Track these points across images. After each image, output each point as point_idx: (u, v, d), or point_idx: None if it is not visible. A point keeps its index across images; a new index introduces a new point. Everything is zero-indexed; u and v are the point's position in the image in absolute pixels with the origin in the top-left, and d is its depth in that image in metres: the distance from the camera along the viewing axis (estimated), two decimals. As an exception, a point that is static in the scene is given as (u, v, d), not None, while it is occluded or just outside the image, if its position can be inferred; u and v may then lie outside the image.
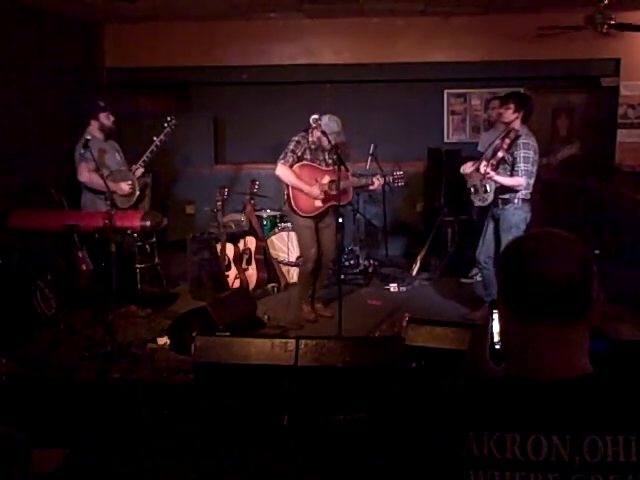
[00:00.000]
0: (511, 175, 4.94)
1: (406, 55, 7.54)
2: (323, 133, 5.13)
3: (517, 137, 4.93)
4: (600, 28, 5.77)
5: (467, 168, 5.26)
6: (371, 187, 5.48)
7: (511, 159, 4.95)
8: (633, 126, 7.52)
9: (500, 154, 4.97)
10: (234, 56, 7.64)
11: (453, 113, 8.11)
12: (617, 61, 7.42)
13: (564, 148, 5.72)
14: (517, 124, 4.97)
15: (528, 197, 5.02)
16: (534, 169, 4.96)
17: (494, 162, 4.99)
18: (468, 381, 1.27)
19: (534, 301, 1.16)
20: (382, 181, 5.41)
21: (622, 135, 7.54)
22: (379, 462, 1.26)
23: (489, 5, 6.81)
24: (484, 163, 5.03)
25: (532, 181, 4.99)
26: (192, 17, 7.28)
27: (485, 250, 5.20)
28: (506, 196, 5.00)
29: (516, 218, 4.98)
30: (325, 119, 5.17)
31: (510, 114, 4.97)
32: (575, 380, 1.15)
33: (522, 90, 7.82)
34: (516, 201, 4.97)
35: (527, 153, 4.89)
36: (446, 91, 8.04)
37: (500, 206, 5.04)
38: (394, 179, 5.49)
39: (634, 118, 7.52)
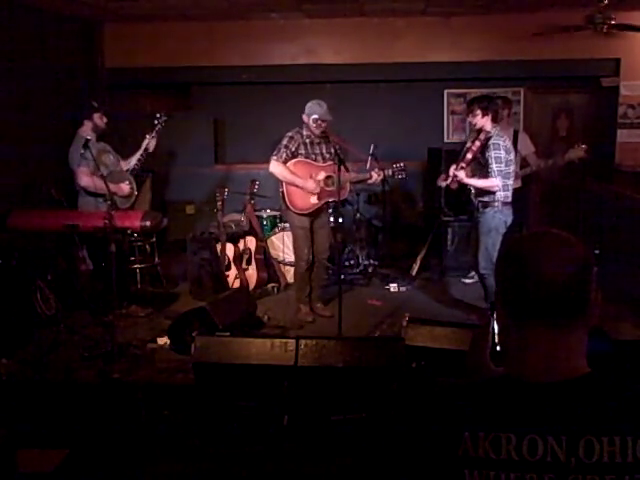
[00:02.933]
0: (485, 177, 4.89)
1: (406, 55, 7.54)
2: (322, 133, 5.14)
3: (488, 138, 4.91)
4: (600, 28, 5.77)
5: (442, 180, 5.25)
6: (369, 181, 5.43)
7: (484, 161, 4.91)
8: (633, 126, 7.52)
9: (469, 155, 4.95)
10: (234, 56, 7.63)
11: (453, 113, 8.11)
12: (617, 61, 7.42)
13: (571, 150, 5.68)
14: (488, 126, 4.95)
15: (509, 200, 4.95)
16: (509, 169, 4.91)
17: (463, 164, 4.96)
18: (465, 381, 1.27)
19: (532, 302, 1.16)
20: (381, 174, 5.37)
21: (622, 135, 7.53)
22: (377, 462, 1.26)
23: (489, 5, 6.80)
24: (453, 166, 5.01)
25: (510, 182, 4.94)
26: (192, 17, 7.28)
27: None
28: (485, 199, 4.95)
29: (495, 221, 4.91)
30: (317, 107, 5.10)
31: (480, 119, 4.95)
32: (571, 381, 1.15)
33: (522, 90, 7.88)
34: (496, 204, 4.91)
35: (498, 153, 4.84)
36: (446, 91, 8.05)
37: (480, 210, 4.99)
38: (394, 172, 5.43)
39: (634, 118, 7.52)
